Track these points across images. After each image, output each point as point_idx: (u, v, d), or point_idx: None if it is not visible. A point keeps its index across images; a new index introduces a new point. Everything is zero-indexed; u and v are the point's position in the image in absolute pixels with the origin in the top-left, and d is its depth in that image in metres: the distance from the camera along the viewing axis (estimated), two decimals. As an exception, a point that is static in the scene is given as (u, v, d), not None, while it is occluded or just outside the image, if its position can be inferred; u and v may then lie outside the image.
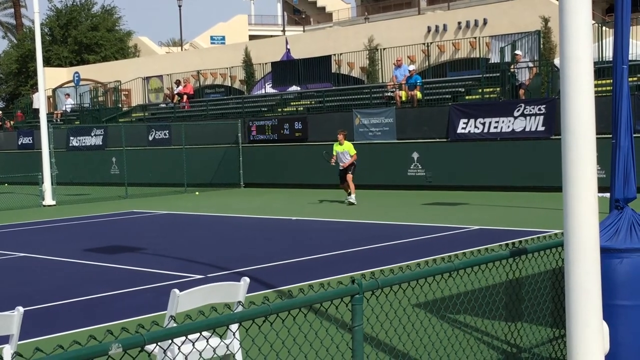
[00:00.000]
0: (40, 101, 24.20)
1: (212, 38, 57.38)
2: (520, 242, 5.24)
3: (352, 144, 20.47)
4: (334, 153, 19.64)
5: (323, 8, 66.50)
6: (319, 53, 30.72)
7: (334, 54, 30.48)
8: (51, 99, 39.69)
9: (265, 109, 29.29)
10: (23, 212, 21.17)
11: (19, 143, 35.80)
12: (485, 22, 29.22)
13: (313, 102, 28.19)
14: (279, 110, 28.71)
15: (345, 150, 19.56)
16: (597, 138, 4.26)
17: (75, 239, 15.23)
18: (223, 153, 27.09)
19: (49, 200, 22.95)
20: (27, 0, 61.67)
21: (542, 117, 20.40)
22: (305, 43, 34.53)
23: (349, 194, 19.45)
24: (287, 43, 33.30)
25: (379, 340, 6.09)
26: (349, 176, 19.34)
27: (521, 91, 21.92)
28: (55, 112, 37.96)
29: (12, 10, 61.95)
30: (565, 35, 4.16)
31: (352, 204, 19.15)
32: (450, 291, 5.70)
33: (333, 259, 11.45)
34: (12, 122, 40.10)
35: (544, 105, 20.43)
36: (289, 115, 27.38)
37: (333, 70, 30.02)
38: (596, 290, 4.21)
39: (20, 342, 4.81)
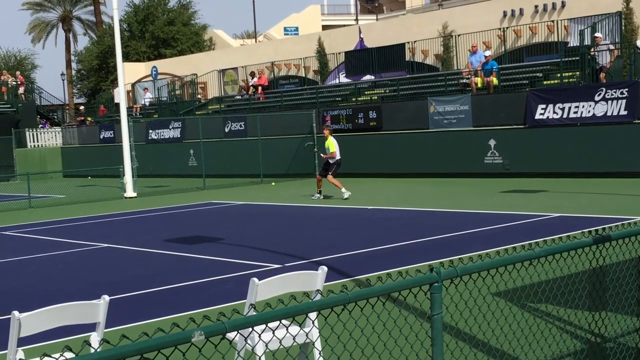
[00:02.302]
0: (120, 96, 24.79)
1: (285, 29, 57.67)
2: (604, 229, 5.10)
3: (427, 132, 20.24)
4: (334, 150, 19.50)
5: (396, -4, 65.97)
6: (392, 41, 30.52)
7: (408, 42, 30.24)
8: (130, 93, 40.64)
9: (340, 99, 29.30)
10: (105, 204, 21.77)
11: (101, 137, 36.80)
12: (563, 4, 28.48)
13: (387, 91, 28.05)
14: (353, 99, 28.68)
15: (326, 147, 19.52)
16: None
17: (155, 230, 15.58)
18: (298, 143, 27.25)
19: (130, 192, 23.52)
20: (106, -2, 63.10)
21: (624, 101, 19.79)
22: (379, 31, 34.36)
23: (319, 192, 19.40)
24: (360, 32, 33.20)
25: (459, 329, 6.03)
26: (329, 177, 19.24)
27: (602, 75, 21.31)
28: (135, 106, 38.86)
29: (92, 7, 63.65)
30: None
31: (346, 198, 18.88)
32: (531, 280, 5.59)
33: (410, 248, 11.39)
34: (90, 118, 41.23)
35: (626, 89, 19.81)
36: (363, 104, 27.33)
37: (407, 58, 29.79)
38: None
39: (107, 330, 4.96)
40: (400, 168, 24.16)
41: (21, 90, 42.55)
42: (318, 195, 19.51)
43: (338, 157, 19.52)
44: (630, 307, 5.67)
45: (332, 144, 19.50)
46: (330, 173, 19.39)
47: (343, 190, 19.08)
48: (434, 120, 23.81)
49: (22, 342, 4.42)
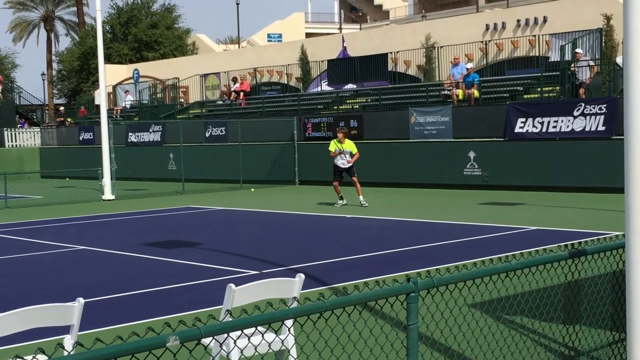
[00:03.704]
0: (101, 97, 24.67)
1: (269, 36, 57.72)
2: (580, 243, 5.15)
3: (408, 142, 20.15)
4: (333, 150, 18.95)
5: (380, 6, 66.27)
6: (375, 51, 30.64)
7: (391, 52, 30.36)
8: (111, 95, 40.45)
9: (321, 107, 29.34)
10: (83, 206, 21.63)
11: (80, 138, 36.56)
12: (545, 19, 28.75)
13: (369, 100, 28.13)
14: (335, 108, 28.72)
15: (347, 149, 18.87)
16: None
17: (133, 233, 15.49)
18: (279, 150, 27.24)
19: (108, 194, 23.39)
20: (89, -1, 62.85)
21: (602, 116, 19.99)
22: (362, 41, 34.48)
23: (341, 197, 18.89)
24: (343, 41, 33.30)
25: (434, 339, 6.05)
26: (355, 179, 18.84)
27: (581, 90, 21.51)
28: (115, 108, 38.67)
29: (75, 8, 63.34)
30: (630, 33, 4.06)
31: (365, 205, 18.45)
32: (507, 292, 5.62)
33: (388, 257, 11.41)
34: (69, 119, 40.97)
35: (605, 105, 20.01)
36: (345, 113, 27.38)
37: (389, 68, 29.91)
38: (658, 293, 4.11)
39: (81, 333, 4.92)
40: (380, 177, 24.20)
41: (-1, 89, 42.23)
42: (341, 201, 19.00)
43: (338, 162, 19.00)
44: (604, 322, 5.72)
45: (353, 147, 18.95)
46: (355, 174, 18.90)
47: (361, 197, 18.68)
48: (414, 131, 23.91)
49: (-6, 343, 4.38)
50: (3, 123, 39.62)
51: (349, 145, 18.98)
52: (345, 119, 26.09)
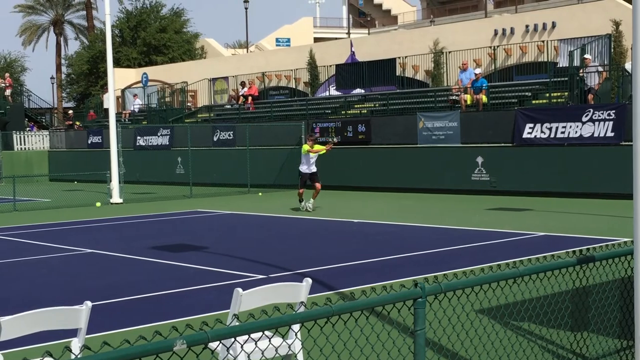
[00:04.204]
0: (109, 101, 24.73)
1: (277, 40, 57.80)
2: (588, 249, 5.13)
3: (416, 147, 20.25)
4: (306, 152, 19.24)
5: (388, 11, 66.32)
6: (383, 56, 30.64)
7: (399, 57, 30.36)
8: (120, 99, 40.57)
9: (329, 111, 29.35)
10: (91, 210, 21.67)
11: (89, 142, 36.66)
12: (553, 25, 28.70)
13: (377, 105, 28.13)
14: (343, 112, 28.73)
15: (317, 152, 19.24)
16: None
17: (140, 237, 15.51)
18: (286, 154, 27.25)
19: (116, 198, 23.43)
20: (99, 3, 63.12)
21: (611, 122, 19.94)
22: (370, 46, 34.49)
23: (303, 201, 19.24)
24: (351, 45, 33.31)
25: (441, 345, 6.03)
26: (318, 185, 19.23)
27: (590, 96, 21.46)
28: (124, 112, 38.77)
29: (84, 12, 63.58)
30: (639, 38, 4.06)
31: (309, 210, 19.00)
32: (515, 298, 5.61)
33: (395, 262, 11.40)
34: (78, 123, 41.10)
35: (614, 111, 19.96)
36: (353, 117, 27.38)
37: (397, 73, 29.90)
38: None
39: (88, 336, 4.93)
40: (388, 182, 24.20)
41: (8, 92, 42.35)
42: (303, 203, 19.42)
43: (304, 169, 19.36)
44: (612, 328, 5.69)
45: (321, 147, 19.45)
46: (318, 182, 19.27)
47: (312, 201, 19.26)
48: (422, 136, 23.89)
49: (2, 346, 4.39)
50: (12, 126, 39.76)
51: (318, 149, 19.41)
52: (353, 124, 26.09)
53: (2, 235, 16.15)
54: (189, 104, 38.28)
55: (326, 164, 26.48)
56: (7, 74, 46.46)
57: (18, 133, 39.46)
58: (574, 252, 4.84)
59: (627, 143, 18.85)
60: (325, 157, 26.47)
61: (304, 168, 19.48)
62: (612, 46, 24.15)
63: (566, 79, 22.48)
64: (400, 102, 27.04)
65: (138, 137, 33.17)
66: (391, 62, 29.37)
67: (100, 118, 39.27)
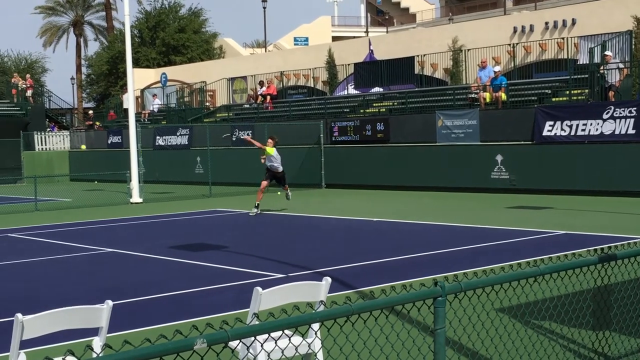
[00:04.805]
0: (129, 101, 24.86)
1: (295, 39, 57.85)
2: (610, 247, 5.09)
3: (435, 145, 20.24)
4: (264, 155, 19.43)
5: (407, 9, 66.18)
6: (402, 54, 30.58)
7: (417, 55, 30.28)
8: (139, 99, 40.79)
9: (348, 110, 29.33)
10: (111, 209, 21.80)
11: (109, 142, 36.89)
12: (573, 22, 28.52)
13: (395, 104, 28.07)
14: (361, 111, 28.70)
15: (275, 154, 19.34)
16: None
17: (160, 236, 15.59)
18: (305, 153, 27.25)
19: (136, 197, 23.55)
20: (118, 3, 63.47)
21: (632, 119, 19.76)
22: (389, 44, 34.44)
23: (257, 206, 19.02)
24: (370, 44, 33.27)
25: (461, 344, 6.01)
26: (286, 187, 19.50)
27: (611, 93, 21.28)
28: (143, 112, 38.97)
29: (104, 13, 63.97)
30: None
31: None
32: (536, 296, 5.58)
33: (415, 261, 11.38)
34: (98, 123, 41.38)
35: (635, 108, 19.78)
36: (371, 116, 27.35)
37: (416, 72, 29.84)
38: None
39: (109, 335, 4.96)
40: (407, 181, 24.14)
41: (29, 93, 42.70)
42: (255, 210, 19.00)
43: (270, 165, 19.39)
44: (634, 327, 5.64)
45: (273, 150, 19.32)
46: (285, 185, 19.48)
47: (288, 192, 19.53)
48: (441, 134, 23.81)
49: (24, 344, 4.43)
50: (33, 127, 40.09)
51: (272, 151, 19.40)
52: (371, 122, 26.06)
53: (24, 234, 16.29)
54: (207, 104, 38.39)
55: (344, 163, 26.51)
56: (28, 75, 46.85)
57: (39, 133, 39.78)
58: (595, 250, 4.80)
59: (648, 140, 18.68)
60: (343, 156, 26.49)
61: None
62: (633, 42, 23.93)
63: (586, 76, 22.31)
64: (419, 100, 26.96)
65: (157, 137, 33.32)
66: (410, 60, 29.30)
67: (120, 118, 39.50)
